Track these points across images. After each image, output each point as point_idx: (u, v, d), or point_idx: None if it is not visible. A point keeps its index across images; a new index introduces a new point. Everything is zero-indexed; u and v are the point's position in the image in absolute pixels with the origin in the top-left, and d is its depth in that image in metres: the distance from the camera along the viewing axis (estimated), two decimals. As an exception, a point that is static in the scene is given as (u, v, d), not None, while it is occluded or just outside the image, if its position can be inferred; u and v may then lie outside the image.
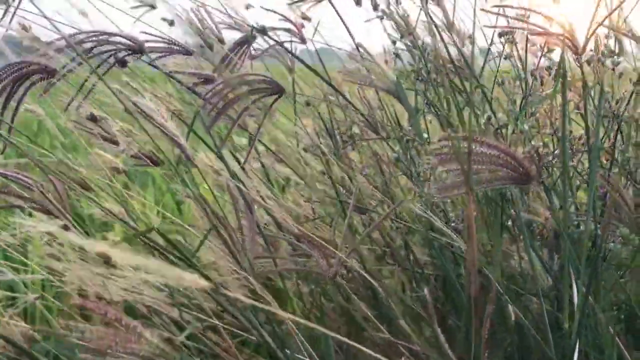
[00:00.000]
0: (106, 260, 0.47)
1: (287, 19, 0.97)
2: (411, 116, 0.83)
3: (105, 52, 0.72)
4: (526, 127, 0.83)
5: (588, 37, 0.67)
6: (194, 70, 0.77)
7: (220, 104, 0.73)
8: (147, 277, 0.45)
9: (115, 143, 0.85)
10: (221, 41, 1.05)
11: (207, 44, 1.01)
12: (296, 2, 0.93)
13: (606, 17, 0.70)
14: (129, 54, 0.73)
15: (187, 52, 0.81)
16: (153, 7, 0.88)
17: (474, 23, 0.85)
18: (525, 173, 0.53)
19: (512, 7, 0.76)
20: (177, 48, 0.80)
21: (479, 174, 0.53)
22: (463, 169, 0.51)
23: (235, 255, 0.56)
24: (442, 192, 0.54)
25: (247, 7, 1.03)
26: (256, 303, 0.49)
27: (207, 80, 0.76)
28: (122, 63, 0.75)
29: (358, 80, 0.83)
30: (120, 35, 0.72)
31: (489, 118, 0.87)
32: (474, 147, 0.52)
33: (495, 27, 0.83)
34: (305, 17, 1.07)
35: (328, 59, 0.93)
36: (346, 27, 0.89)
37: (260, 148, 0.96)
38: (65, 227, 0.61)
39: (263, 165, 0.93)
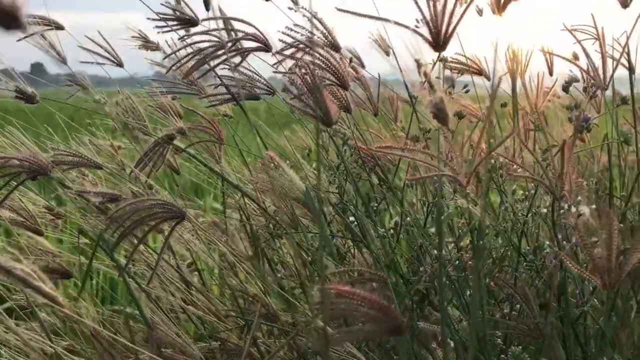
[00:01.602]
0: None
1: (206, 118, 0.99)
2: (321, 228, 0.84)
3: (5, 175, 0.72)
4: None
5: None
6: (100, 190, 0.78)
7: (126, 223, 0.74)
8: None
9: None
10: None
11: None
12: (214, 105, 0.95)
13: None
14: (31, 177, 0.74)
15: (97, 167, 0.82)
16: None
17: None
18: (396, 326, 0.55)
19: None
20: (87, 162, 0.81)
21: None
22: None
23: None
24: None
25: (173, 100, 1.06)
26: None
27: (113, 199, 0.77)
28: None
29: (269, 190, 0.85)
30: (21, 159, 0.73)
31: (396, 224, 0.90)
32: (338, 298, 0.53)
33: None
34: (227, 115, 1.10)
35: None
36: (258, 134, 0.91)
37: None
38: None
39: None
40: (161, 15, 1.02)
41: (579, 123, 0.77)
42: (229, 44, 0.82)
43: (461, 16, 0.57)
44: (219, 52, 0.81)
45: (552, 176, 0.68)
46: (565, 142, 0.62)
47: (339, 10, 0.69)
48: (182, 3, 1.03)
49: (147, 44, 1.28)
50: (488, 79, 1.38)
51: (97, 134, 1.22)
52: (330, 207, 0.91)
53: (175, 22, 1.01)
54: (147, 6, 1.06)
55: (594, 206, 1.06)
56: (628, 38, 0.95)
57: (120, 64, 1.10)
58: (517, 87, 1.18)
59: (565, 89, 0.91)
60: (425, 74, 0.48)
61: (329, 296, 0.55)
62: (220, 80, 0.88)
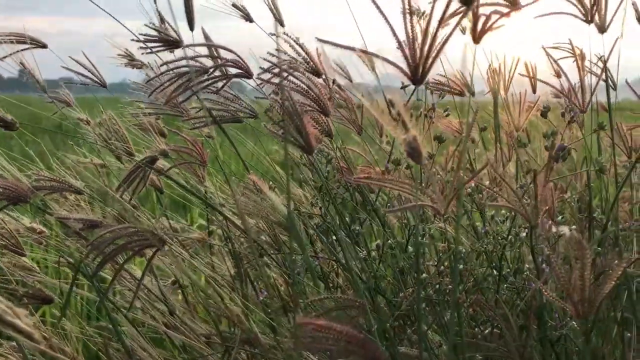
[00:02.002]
0: None
1: (189, 140, 1.00)
2: (303, 251, 0.85)
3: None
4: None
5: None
6: (80, 217, 0.78)
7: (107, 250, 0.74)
8: None
9: None
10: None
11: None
12: (197, 127, 0.96)
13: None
14: (12, 203, 0.74)
15: (77, 192, 0.82)
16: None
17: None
18: (373, 358, 0.56)
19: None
20: (67, 187, 0.81)
21: None
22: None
23: None
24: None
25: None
26: None
27: (93, 225, 0.77)
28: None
29: (251, 213, 0.85)
30: (2, 186, 0.73)
31: (377, 246, 0.91)
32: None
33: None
34: (210, 136, 1.10)
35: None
36: (242, 160, 0.91)
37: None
38: None
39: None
40: (145, 37, 1.02)
41: (555, 152, 0.78)
42: (211, 70, 0.82)
43: (438, 52, 0.58)
44: (201, 78, 0.81)
45: (527, 205, 0.69)
46: (536, 174, 0.63)
47: (319, 40, 0.69)
48: (166, 24, 1.04)
49: (133, 62, 1.29)
50: (473, 94, 1.39)
51: (84, 145, 1.22)
52: (312, 229, 0.92)
53: (158, 44, 1.02)
54: (130, 31, 1.06)
55: (574, 226, 1.08)
56: (605, 62, 0.97)
57: (103, 85, 1.10)
58: (500, 102, 1.19)
59: (544, 114, 0.92)
60: (399, 114, 0.49)
61: (305, 332, 0.55)
62: (202, 104, 0.88)
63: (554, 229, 0.99)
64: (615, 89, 1.16)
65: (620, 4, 1.00)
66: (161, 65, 0.84)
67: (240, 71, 0.79)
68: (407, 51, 0.56)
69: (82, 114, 1.25)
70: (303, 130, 0.73)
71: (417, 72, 0.58)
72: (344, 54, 1.28)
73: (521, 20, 0.80)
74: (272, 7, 1.30)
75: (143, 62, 1.25)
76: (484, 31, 0.66)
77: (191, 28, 1.13)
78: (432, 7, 0.50)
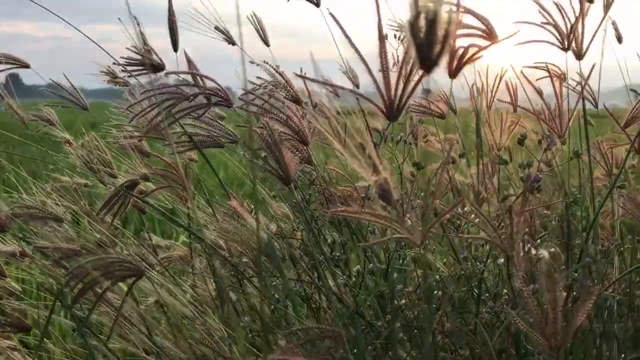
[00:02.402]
0: None
1: (169, 164, 1.00)
2: (282, 277, 0.85)
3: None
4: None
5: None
6: (59, 246, 0.78)
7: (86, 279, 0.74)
8: None
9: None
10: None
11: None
12: (182, 151, 0.96)
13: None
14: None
15: (56, 219, 0.82)
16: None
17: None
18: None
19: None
20: (46, 215, 0.81)
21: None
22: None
23: None
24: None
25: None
26: None
27: (73, 254, 0.77)
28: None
29: (231, 239, 0.85)
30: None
31: (358, 272, 0.91)
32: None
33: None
34: (192, 159, 1.10)
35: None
36: (222, 185, 0.92)
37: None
38: None
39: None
40: (127, 60, 1.03)
41: (529, 184, 0.79)
42: (192, 96, 0.83)
43: (413, 89, 0.59)
44: (182, 106, 0.82)
45: (503, 236, 0.69)
46: (511, 208, 0.64)
47: (297, 75, 0.70)
48: (149, 46, 1.05)
49: (115, 80, 1.29)
50: (455, 112, 1.41)
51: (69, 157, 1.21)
52: (296, 249, 0.92)
53: (141, 67, 1.02)
54: (112, 56, 1.07)
55: (552, 249, 1.09)
56: (583, 87, 0.98)
57: (85, 108, 1.10)
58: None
59: (521, 142, 0.94)
60: (370, 156, 0.50)
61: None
62: (184, 129, 0.89)
63: (533, 252, 1.00)
64: (596, 106, 1.19)
65: (599, 25, 1.02)
66: (142, 93, 0.85)
67: (220, 100, 0.80)
68: (383, 91, 0.57)
69: (65, 132, 1.25)
70: (282, 161, 0.74)
71: (392, 109, 0.59)
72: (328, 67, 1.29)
73: (499, 50, 0.81)
74: (258, 29, 1.31)
75: (126, 81, 1.25)
76: (459, 67, 0.67)
77: (175, 49, 1.14)
78: (405, 55, 0.51)
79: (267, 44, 1.34)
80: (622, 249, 1.09)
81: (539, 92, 1.16)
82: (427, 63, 0.37)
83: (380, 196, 0.50)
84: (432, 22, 0.35)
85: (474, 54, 0.69)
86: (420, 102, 1.13)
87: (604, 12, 1.13)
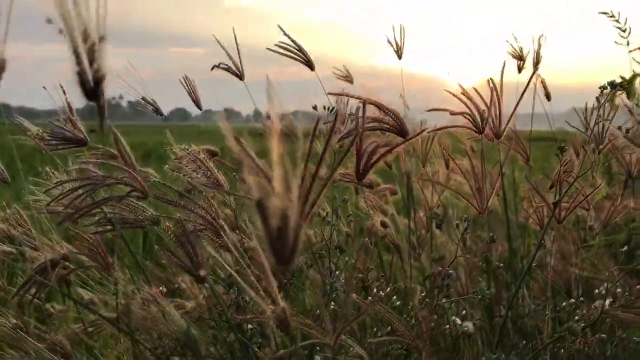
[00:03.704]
0: None
1: (93, 244, 0.99)
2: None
3: None
4: None
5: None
6: None
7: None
8: None
9: None
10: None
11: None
12: (99, 232, 0.95)
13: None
14: None
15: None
16: None
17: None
18: None
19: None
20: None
21: None
22: None
23: None
24: None
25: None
26: None
27: None
28: None
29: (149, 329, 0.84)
30: None
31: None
32: None
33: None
34: (116, 235, 1.09)
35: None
36: (143, 270, 0.91)
37: None
38: None
39: None
40: (51, 135, 1.02)
41: (439, 280, 0.81)
42: (109, 185, 0.82)
43: (379, 158, 0.63)
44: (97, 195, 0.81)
45: (412, 334, 0.71)
46: (423, 317, 0.65)
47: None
48: (75, 117, 1.04)
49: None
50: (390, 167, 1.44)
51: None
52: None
53: (65, 142, 1.01)
54: (37, 130, 1.05)
55: (477, 321, 1.11)
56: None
57: (6, 182, 1.08)
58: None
59: (438, 227, 0.96)
60: (267, 288, 0.50)
61: None
62: (104, 213, 0.88)
63: (458, 322, 1.02)
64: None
65: (522, 95, 1.04)
66: (57, 184, 0.83)
67: (136, 192, 0.79)
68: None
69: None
70: (194, 257, 0.73)
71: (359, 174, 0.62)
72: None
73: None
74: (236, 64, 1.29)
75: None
76: (366, 170, 0.68)
77: (101, 129, 1.13)
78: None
79: (241, 77, 1.30)
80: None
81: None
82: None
83: (278, 327, 0.51)
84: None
85: (382, 155, 0.70)
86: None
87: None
